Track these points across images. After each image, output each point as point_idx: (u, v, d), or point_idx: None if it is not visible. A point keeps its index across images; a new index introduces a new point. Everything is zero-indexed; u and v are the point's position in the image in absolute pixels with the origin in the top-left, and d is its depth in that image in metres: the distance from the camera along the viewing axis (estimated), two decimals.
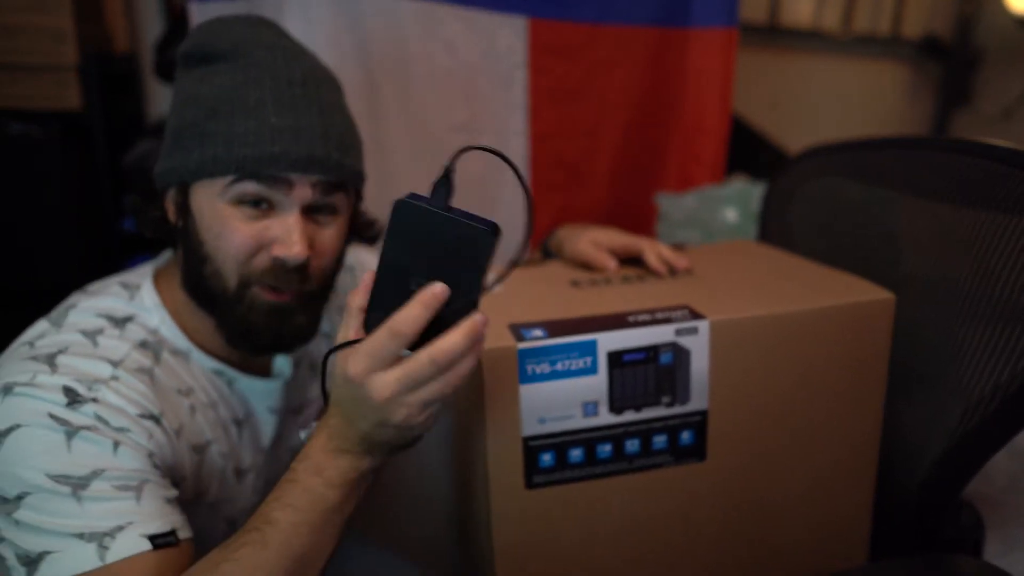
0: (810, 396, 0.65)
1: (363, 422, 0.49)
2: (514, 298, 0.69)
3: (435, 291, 0.46)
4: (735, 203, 1.35)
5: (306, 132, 0.60)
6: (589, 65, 1.31)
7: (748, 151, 1.70)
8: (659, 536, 0.66)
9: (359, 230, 0.73)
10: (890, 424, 0.69)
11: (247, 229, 0.60)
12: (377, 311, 0.48)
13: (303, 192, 0.60)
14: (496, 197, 1.31)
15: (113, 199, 1.34)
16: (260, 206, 0.60)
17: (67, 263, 1.30)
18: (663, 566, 0.67)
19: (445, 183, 0.47)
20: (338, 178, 0.62)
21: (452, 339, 0.45)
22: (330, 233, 0.64)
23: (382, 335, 0.46)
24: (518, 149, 1.30)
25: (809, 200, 0.93)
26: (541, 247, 0.90)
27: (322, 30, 1.10)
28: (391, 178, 1.20)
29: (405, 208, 0.46)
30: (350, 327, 0.49)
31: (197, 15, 1.03)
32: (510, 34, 1.24)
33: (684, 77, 1.40)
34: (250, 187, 0.59)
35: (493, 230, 0.46)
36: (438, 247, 0.46)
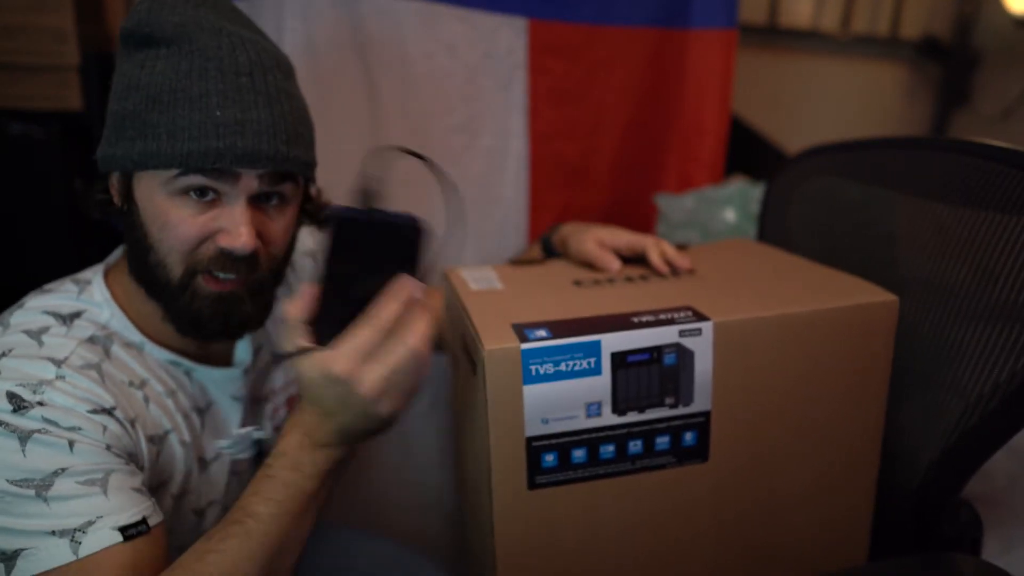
0: (813, 397, 0.66)
1: (344, 416, 0.53)
2: (518, 298, 0.69)
3: (403, 284, 0.51)
4: (734, 204, 1.35)
5: (252, 125, 0.58)
6: (589, 66, 1.31)
7: (747, 152, 1.70)
8: (661, 536, 0.66)
9: (311, 213, 0.73)
10: (889, 423, 0.69)
11: (193, 220, 0.60)
12: (327, 322, 0.52)
13: (249, 183, 0.60)
14: (496, 197, 1.31)
15: None
16: (206, 196, 0.60)
17: (67, 263, 1.29)
18: (665, 566, 0.67)
19: (364, 191, 0.51)
20: (285, 169, 0.62)
21: (386, 303, 0.51)
22: (279, 222, 0.64)
23: (368, 332, 0.50)
24: (518, 149, 1.30)
25: (808, 200, 0.93)
26: (541, 241, 0.90)
27: (322, 30, 1.10)
28: (391, 178, 1.20)
29: (337, 222, 0.49)
30: (298, 336, 0.52)
31: None
32: (510, 35, 1.24)
33: (683, 78, 1.40)
34: (195, 180, 0.58)
35: (414, 224, 0.51)
36: (373, 251, 0.51)
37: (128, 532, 0.53)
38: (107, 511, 0.53)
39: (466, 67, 1.22)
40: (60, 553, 0.51)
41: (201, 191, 0.59)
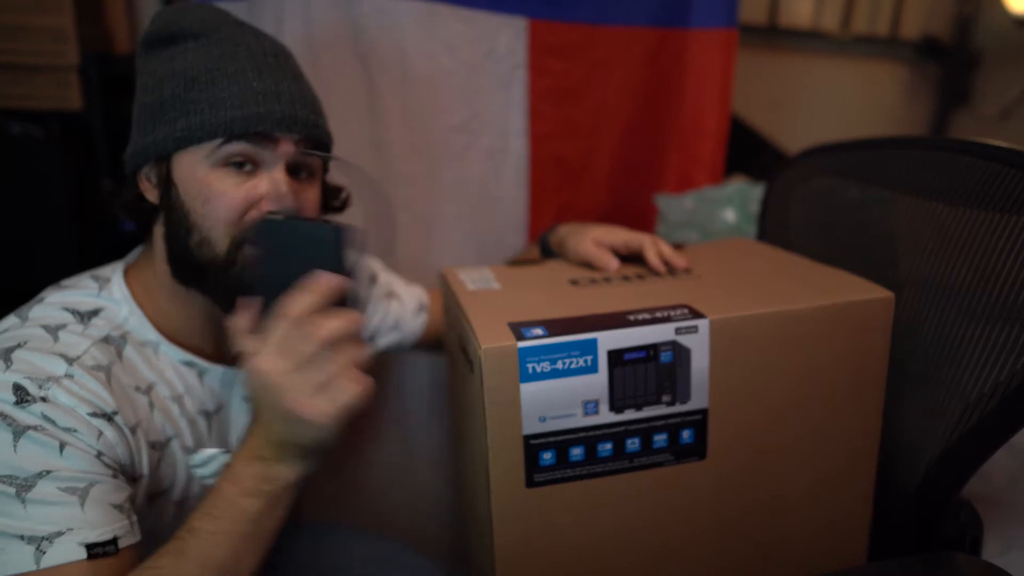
0: (810, 394, 0.66)
1: (275, 423, 0.52)
2: (514, 298, 0.69)
3: (320, 279, 0.52)
4: (734, 204, 1.35)
5: (285, 95, 0.63)
6: (589, 66, 1.31)
7: (747, 152, 1.70)
8: (659, 534, 0.66)
9: (326, 197, 0.75)
10: (889, 423, 0.69)
11: (235, 191, 0.62)
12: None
13: (287, 148, 0.63)
14: (496, 197, 1.31)
15: None
16: (245, 167, 0.62)
17: (67, 263, 1.29)
18: (664, 564, 0.67)
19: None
20: (317, 137, 0.66)
21: (298, 295, 0.51)
22: (310, 194, 0.67)
23: (279, 325, 0.51)
24: (518, 149, 1.30)
25: (807, 200, 0.93)
26: (539, 241, 0.90)
27: (322, 30, 1.10)
28: (391, 178, 1.20)
29: (261, 229, 0.51)
30: (247, 346, 0.53)
31: None
32: (510, 35, 1.24)
33: (683, 78, 1.40)
34: (238, 147, 0.61)
35: (336, 230, 0.52)
36: (297, 256, 0.52)
37: (94, 550, 0.53)
38: (79, 524, 0.53)
39: (466, 67, 1.22)
40: (23, 559, 0.51)
41: (241, 163, 0.62)
